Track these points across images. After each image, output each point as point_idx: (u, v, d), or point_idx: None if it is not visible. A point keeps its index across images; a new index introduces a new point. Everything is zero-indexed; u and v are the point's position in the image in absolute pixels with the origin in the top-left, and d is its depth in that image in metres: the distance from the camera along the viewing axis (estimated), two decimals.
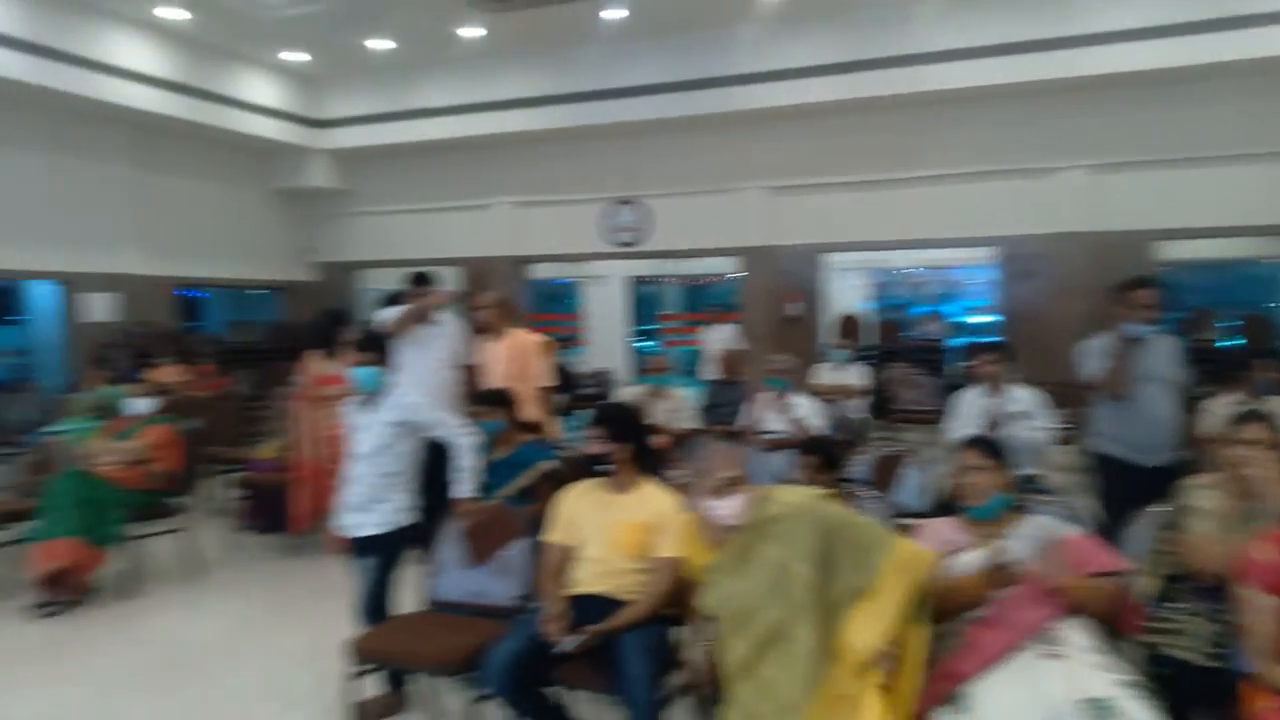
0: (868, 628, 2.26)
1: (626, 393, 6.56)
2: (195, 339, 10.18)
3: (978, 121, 8.95)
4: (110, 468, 4.96)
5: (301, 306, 11.66)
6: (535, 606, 3.01)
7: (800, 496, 2.47)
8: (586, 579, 2.94)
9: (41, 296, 9.36)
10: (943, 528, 2.57)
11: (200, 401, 7.01)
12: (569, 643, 2.72)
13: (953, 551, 2.49)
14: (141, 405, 5.36)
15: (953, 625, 2.37)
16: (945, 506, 3.03)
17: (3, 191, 8.46)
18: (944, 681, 2.27)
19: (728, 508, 2.39)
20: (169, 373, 7.62)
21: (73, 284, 9.13)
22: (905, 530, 2.72)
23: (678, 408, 5.85)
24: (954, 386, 5.96)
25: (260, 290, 12.14)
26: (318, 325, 6.08)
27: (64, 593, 4.67)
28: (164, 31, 8.95)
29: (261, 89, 10.26)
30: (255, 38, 9.26)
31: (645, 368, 6.54)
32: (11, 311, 10.02)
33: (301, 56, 9.99)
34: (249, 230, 11.26)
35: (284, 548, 5.71)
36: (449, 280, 7.97)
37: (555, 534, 3.06)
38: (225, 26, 8.88)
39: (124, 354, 8.26)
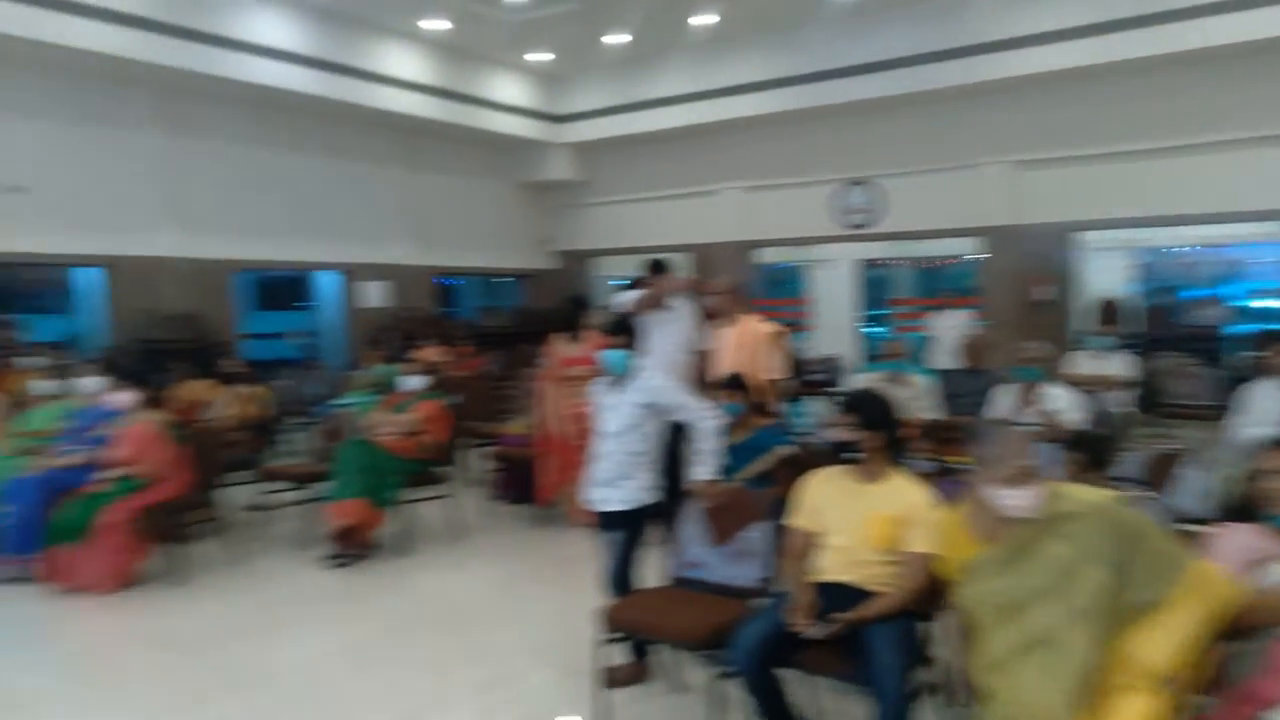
0: (1157, 645, 2.09)
1: (860, 379, 6.39)
2: (452, 323, 11.12)
3: (1265, 78, 7.85)
4: (388, 438, 5.55)
5: (541, 293, 12.41)
6: (779, 590, 3.04)
7: (1098, 497, 2.31)
8: (832, 567, 2.92)
9: (326, 285, 10.63)
10: (1245, 535, 2.31)
11: (459, 380, 7.64)
12: (818, 630, 2.72)
13: (1260, 561, 2.23)
14: (414, 382, 5.94)
15: (1256, 643, 2.13)
16: (1236, 511, 2.72)
17: (295, 194, 9.68)
18: (1245, 704, 2.04)
19: (1018, 498, 2.27)
20: (432, 353, 8.35)
21: (352, 273, 10.29)
22: (1188, 537, 2.47)
23: (917, 395, 5.64)
24: (1237, 379, 5.32)
25: (505, 278, 13.05)
26: (563, 310, 6.46)
27: (351, 547, 5.29)
28: (427, 41, 9.82)
29: (509, 89, 11.00)
30: (504, 41, 9.93)
31: (880, 353, 6.35)
32: (302, 298, 11.45)
33: (545, 56, 10.59)
34: (496, 222, 12.14)
35: (532, 517, 6.13)
36: (683, 267, 8.18)
37: (799, 519, 3.05)
38: (479, 32, 9.59)
39: (395, 336, 9.21)
